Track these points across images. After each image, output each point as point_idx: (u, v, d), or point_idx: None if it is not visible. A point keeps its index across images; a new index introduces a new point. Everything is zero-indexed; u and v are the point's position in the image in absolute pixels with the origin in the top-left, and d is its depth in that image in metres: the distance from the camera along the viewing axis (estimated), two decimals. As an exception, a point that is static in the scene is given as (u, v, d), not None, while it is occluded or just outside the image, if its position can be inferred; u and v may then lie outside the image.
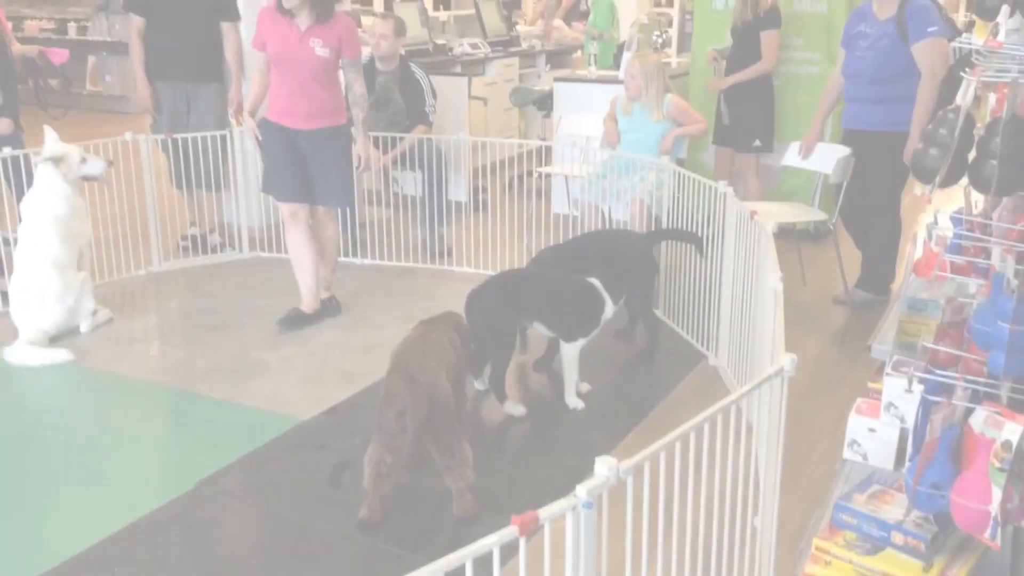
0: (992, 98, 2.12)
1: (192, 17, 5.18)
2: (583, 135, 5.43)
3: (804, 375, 3.64)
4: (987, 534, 1.54)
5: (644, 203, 4.52)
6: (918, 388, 1.78)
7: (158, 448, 3.44)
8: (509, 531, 1.42)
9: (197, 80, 5.28)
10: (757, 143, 5.38)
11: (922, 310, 2.06)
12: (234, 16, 5.29)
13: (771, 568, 2.27)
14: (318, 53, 4.07)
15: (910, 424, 1.86)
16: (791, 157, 4.87)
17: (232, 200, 5.53)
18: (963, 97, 1.87)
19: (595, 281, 3.55)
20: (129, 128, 5.08)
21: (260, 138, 4.29)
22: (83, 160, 4.34)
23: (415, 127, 5.52)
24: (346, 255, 5.19)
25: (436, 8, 10.40)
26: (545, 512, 1.47)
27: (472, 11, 9.00)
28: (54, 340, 4.13)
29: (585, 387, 3.67)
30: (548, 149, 5.74)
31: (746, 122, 5.39)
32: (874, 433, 2.02)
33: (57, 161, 4.24)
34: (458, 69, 7.38)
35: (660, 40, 6.53)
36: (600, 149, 5.06)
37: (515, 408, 3.51)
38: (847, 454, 2.06)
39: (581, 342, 3.54)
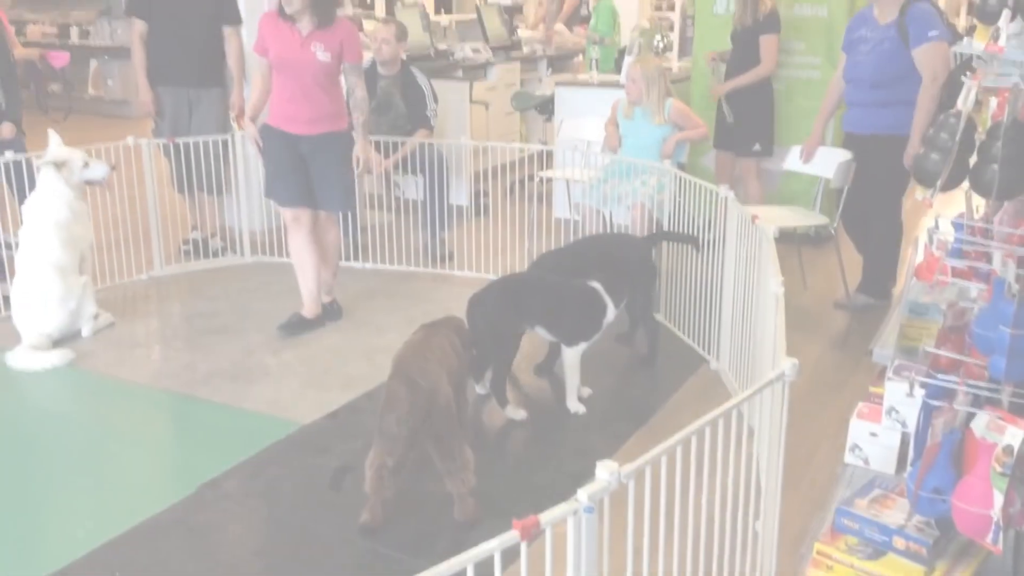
0: (993, 102, 2.12)
1: (194, 22, 5.19)
2: (584, 139, 5.43)
3: (805, 379, 3.63)
4: (989, 538, 1.54)
5: (645, 207, 4.52)
6: (919, 392, 1.78)
7: (159, 452, 3.44)
8: (510, 535, 1.42)
9: (199, 84, 5.28)
10: (757, 147, 5.39)
11: (923, 314, 2.07)
12: (236, 21, 5.30)
13: (772, 572, 2.27)
14: (320, 58, 4.07)
15: (911, 428, 1.86)
16: (792, 161, 4.87)
17: (233, 204, 5.53)
18: (964, 101, 1.87)
19: (596, 285, 3.55)
20: (131, 132, 5.08)
21: (261, 144, 4.30)
22: (86, 164, 4.35)
23: (416, 131, 5.52)
24: (348, 259, 5.19)
25: (438, 13, 10.43)
26: (546, 516, 1.47)
27: (474, 16, 9.01)
28: (56, 344, 4.13)
29: (586, 391, 3.67)
30: (549, 153, 5.74)
31: (746, 126, 5.40)
32: (875, 437, 2.03)
33: (59, 165, 4.25)
34: (459, 74, 7.38)
35: (661, 45, 6.53)
36: (601, 153, 5.06)
37: (516, 412, 3.51)
38: (848, 458, 2.06)
39: (583, 346, 3.54)
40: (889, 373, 1.98)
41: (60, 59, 5.56)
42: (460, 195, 6.03)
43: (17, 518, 2.91)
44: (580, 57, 9.04)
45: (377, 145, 5.32)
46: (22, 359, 3.99)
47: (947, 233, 2.13)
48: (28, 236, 4.19)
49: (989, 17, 1.82)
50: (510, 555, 1.42)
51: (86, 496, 3.04)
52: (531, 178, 6.50)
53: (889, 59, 4.23)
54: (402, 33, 5.61)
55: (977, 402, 1.64)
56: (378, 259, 5.35)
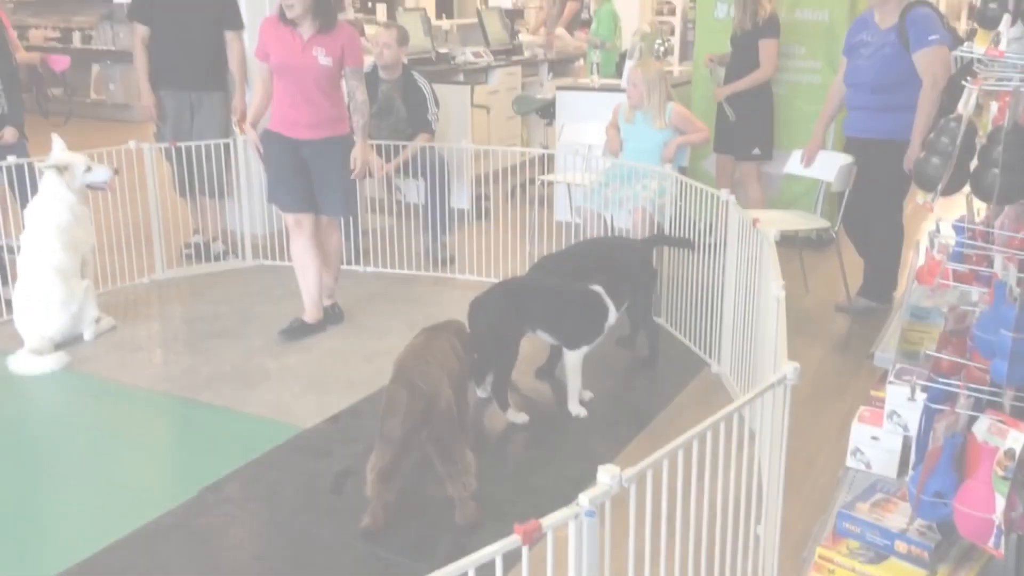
0: (994, 107, 2.12)
1: (196, 26, 5.20)
2: (585, 143, 5.44)
3: (806, 383, 3.63)
4: (991, 543, 1.54)
5: (646, 211, 4.53)
6: (921, 396, 1.78)
7: (160, 456, 3.44)
8: (512, 540, 1.42)
9: (201, 88, 5.30)
10: (756, 151, 5.39)
11: (925, 318, 2.07)
12: (238, 25, 5.31)
13: (774, 577, 2.26)
14: (321, 62, 4.08)
15: (913, 432, 1.86)
16: (793, 165, 4.88)
17: (235, 208, 5.54)
18: (965, 106, 1.87)
19: (598, 288, 3.56)
20: (133, 136, 5.09)
21: (261, 150, 4.30)
22: (88, 168, 4.35)
23: (418, 135, 5.53)
24: (349, 263, 5.19)
25: (439, 17, 10.45)
26: (548, 520, 1.47)
27: (475, 20, 9.03)
28: (57, 348, 4.14)
29: (587, 395, 3.67)
30: (550, 157, 5.75)
31: (745, 130, 5.40)
32: (877, 441, 2.03)
33: (61, 169, 4.25)
34: (461, 78, 7.40)
35: (662, 49, 6.54)
36: (602, 157, 5.06)
37: (517, 416, 3.51)
38: (850, 462, 2.06)
39: (584, 350, 3.54)
40: (890, 377, 1.98)
41: (60, 63, 5.57)
42: (461, 199, 6.03)
43: (18, 522, 2.91)
44: (581, 61, 9.05)
45: (378, 149, 5.33)
46: (23, 363, 3.99)
47: (948, 237, 2.13)
48: (30, 240, 4.19)
49: (990, 22, 1.82)
50: (511, 559, 1.42)
51: (87, 500, 3.04)
52: (532, 182, 6.51)
53: (890, 63, 4.24)
54: (403, 37, 5.62)
55: (979, 406, 1.64)
56: (379, 263, 5.35)
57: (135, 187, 4.99)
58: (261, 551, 2.78)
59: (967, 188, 1.96)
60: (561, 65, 9.12)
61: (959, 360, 1.73)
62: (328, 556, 2.70)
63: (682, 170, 4.83)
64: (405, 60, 5.70)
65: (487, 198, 6.43)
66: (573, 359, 3.54)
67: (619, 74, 6.62)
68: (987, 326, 1.63)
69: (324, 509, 2.94)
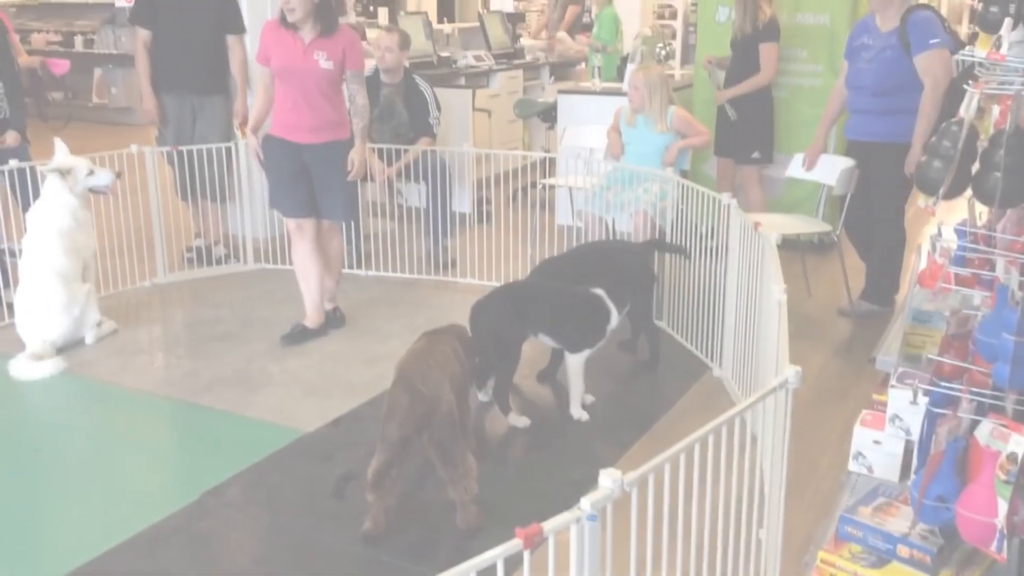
0: (995, 110, 2.12)
1: (198, 30, 5.21)
2: (587, 147, 5.44)
3: (808, 387, 3.63)
4: (993, 547, 1.54)
5: (648, 215, 4.53)
6: (923, 400, 1.78)
7: (161, 459, 3.44)
8: (513, 544, 1.42)
9: (202, 92, 5.30)
10: (756, 155, 5.39)
11: (927, 322, 2.07)
12: (239, 29, 5.32)
13: (776, 581, 2.26)
14: (322, 66, 4.08)
15: (915, 436, 1.86)
16: (795, 168, 4.88)
17: (237, 212, 5.55)
18: (966, 109, 1.87)
19: (600, 291, 3.56)
20: (134, 140, 5.10)
21: (262, 157, 4.30)
22: (91, 172, 4.35)
23: (419, 139, 5.53)
24: (351, 267, 5.20)
25: (440, 21, 10.47)
26: (549, 525, 1.47)
27: (476, 24, 9.04)
28: (59, 352, 4.14)
29: (589, 399, 3.66)
30: (552, 161, 5.74)
31: (745, 134, 5.40)
32: (879, 445, 2.03)
33: (64, 173, 4.26)
34: (462, 81, 7.40)
35: (663, 52, 6.55)
36: (604, 161, 5.07)
37: (519, 420, 3.51)
38: (852, 466, 2.05)
39: (586, 353, 3.54)
40: (893, 380, 1.98)
41: (61, 67, 5.58)
42: (463, 202, 6.04)
43: (20, 526, 2.91)
44: (583, 65, 9.06)
45: (380, 153, 5.33)
46: (23, 368, 3.99)
47: (950, 240, 2.13)
48: (32, 244, 4.20)
49: (991, 25, 1.82)
50: (513, 563, 1.42)
51: (88, 504, 3.04)
52: (534, 185, 6.51)
53: (891, 67, 4.24)
54: (405, 41, 5.63)
55: (981, 410, 1.64)
56: (381, 267, 5.35)
57: (137, 191, 5.00)
58: (262, 555, 2.77)
59: (969, 192, 1.96)
60: (562, 69, 9.12)
61: (961, 364, 1.73)
62: (329, 560, 2.70)
63: (683, 174, 4.83)
64: (406, 64, 5.70)
65: (488, 202, 6.44)
66: (575, 363, 3.54)
67: (620, 78, 6.62)
68: (989, 330, 1.63)
69: (325, 513, 2.94)
